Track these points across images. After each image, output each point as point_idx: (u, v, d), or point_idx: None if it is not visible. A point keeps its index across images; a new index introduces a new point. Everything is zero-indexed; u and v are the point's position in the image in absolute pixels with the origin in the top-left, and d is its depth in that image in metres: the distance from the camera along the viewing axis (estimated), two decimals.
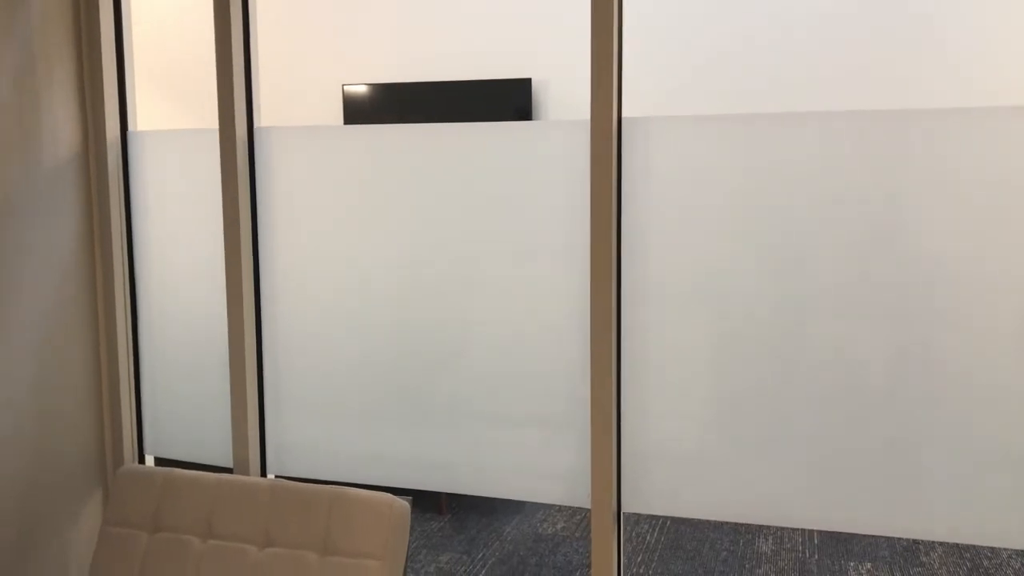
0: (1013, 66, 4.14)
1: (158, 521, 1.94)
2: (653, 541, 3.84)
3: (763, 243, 1.73)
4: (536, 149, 1.86)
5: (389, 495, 1.83)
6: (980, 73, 4.20)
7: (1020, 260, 1.59)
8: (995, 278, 1.61)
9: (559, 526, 4.00)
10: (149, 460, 2.32)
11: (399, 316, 2.00)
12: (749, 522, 1.80)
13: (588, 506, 1.88)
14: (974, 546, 3.82)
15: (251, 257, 2.08)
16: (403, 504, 1.83)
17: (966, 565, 3.62)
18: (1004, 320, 1.61)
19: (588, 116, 4.07)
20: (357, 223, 2.01)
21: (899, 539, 3.84)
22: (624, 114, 1.79)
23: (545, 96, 4.83)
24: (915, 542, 3.82)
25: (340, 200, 2.01)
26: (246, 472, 2.11)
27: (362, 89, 4.93)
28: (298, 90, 5.15)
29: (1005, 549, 3.74)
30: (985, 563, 3.64)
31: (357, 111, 4.93)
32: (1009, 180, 1.59)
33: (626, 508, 1.87)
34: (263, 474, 2.16)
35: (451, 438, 1.98)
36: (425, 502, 4.21)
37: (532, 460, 1.93)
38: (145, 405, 2.27)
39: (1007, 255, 1.60)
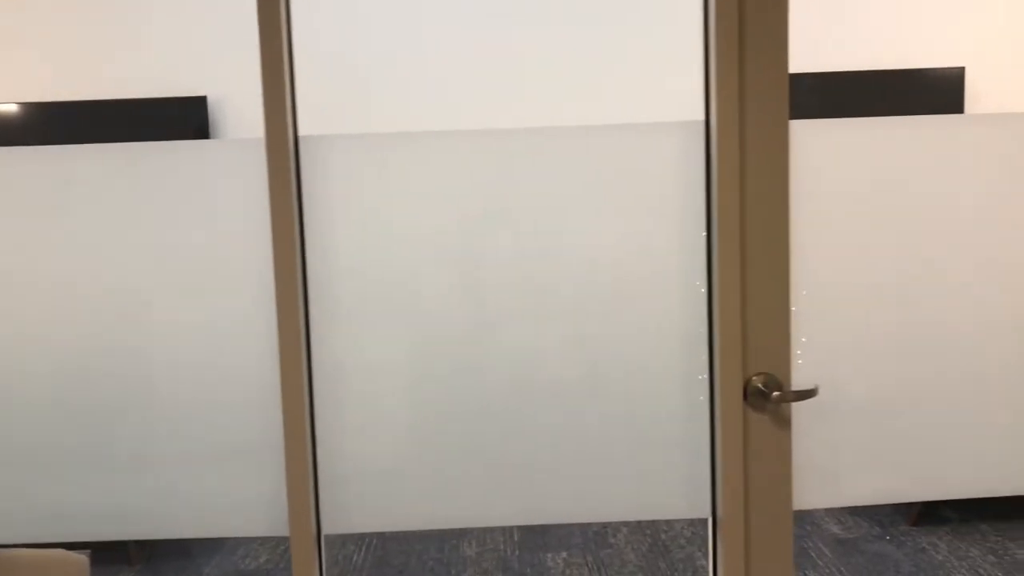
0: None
1: None
2: (360, 561, 3.82)
3: (445, 256, 1.79)
4: (208, 170, 1.78)
5: (62, 551, 1.67)
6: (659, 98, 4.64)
7: (665, 259, 1.78)
8: (656, 279, 1.78)
9: (262, 559, 3.85)
10: None
11: (65, 352, 1.82)
12: (451, 527, 1.84)
13: (287, 534, 1.83)
14: (653, 523, 4.19)
15: None
16: (80, 559, 1.67)
17: (647, 541, 3.96)
18: (670, 319, 1.79)
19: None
20: (15, 253, 1.80)
21: (590, 526, 4.11)
22: (301, 132, 1.77)
23: (223, 114, 4.66)
24: (604, 526, 4.11)
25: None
26: None
27: (12, 108, 4.47)
28: None
29: (679, 521, 4.14)
30: (663, 536, 4.01)
31: (5, 132, 4.46)
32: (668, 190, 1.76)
33: (327, 530, 1.84)
34: None
35: (137, 481, 1.84)
36: (111, 554, 3.88)
37: (228, 493, 1.84)
38: None
39: (662, 260, 1.78)
